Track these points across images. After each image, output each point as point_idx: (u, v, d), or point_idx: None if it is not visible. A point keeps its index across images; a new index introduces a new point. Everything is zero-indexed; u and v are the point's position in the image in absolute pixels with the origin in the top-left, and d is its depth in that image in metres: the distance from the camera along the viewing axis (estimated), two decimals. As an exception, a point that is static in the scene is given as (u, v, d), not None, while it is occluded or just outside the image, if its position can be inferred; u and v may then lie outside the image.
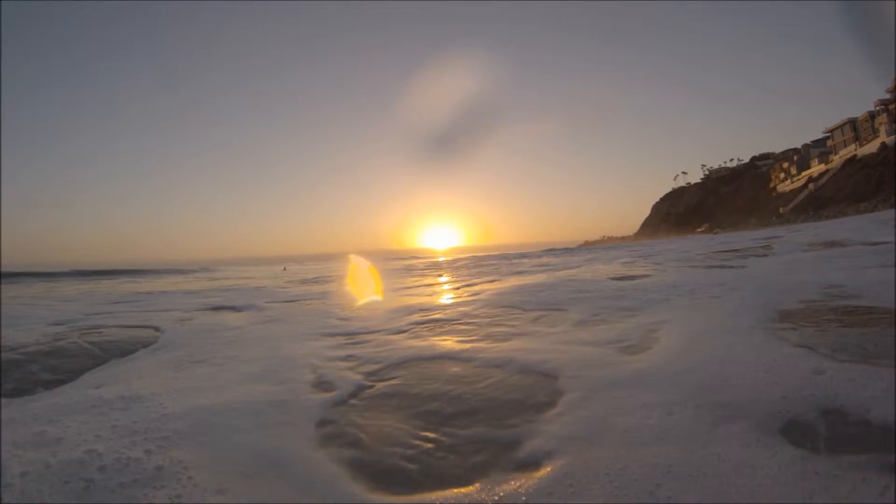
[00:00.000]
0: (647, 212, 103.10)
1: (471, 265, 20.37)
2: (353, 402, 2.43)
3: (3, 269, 31.42)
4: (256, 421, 2.14)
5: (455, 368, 2.89)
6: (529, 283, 7.96)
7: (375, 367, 3.04)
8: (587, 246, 57.85)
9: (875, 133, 49.67)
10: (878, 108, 49.60)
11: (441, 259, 37.94)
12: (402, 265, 27.83)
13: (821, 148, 61.73)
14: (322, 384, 2.73)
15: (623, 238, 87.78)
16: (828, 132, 59.90)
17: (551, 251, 37.04)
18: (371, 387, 2.67)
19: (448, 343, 3.54)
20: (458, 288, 8.66)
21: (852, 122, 55.29)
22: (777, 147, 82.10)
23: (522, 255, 31.52)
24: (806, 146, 66.04)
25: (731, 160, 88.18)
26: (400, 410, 2.26)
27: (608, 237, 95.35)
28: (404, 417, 2.16)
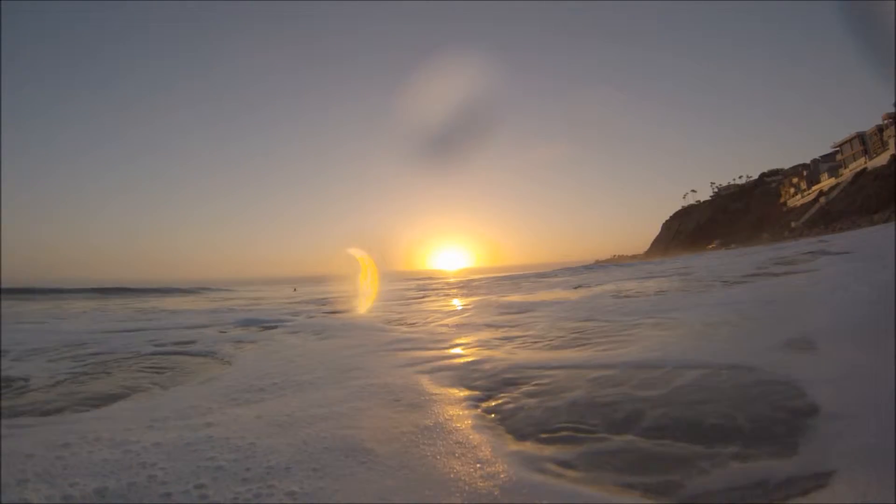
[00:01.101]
0: (655, 231, 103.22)
1: (491, 284, 20.09)
2: (524, 428, 1.92)
3: (14, 285, 31.70)
4: (406, 456, 1.66)
5: (603, 372, 2.50)
6: (580, 297, 7.83)
7: (496, 381, 2.63)
8: (600, 264, 57.57)
9: (884, 146, 49.76)
10: (886, 121, 49.81)
11: (452, 280, 37.55)
12: (417, 284, 27.45)
13: (830, 162, 61.82)
14: (463, 402, 2.25)
15: (634, 256, 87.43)
16: (836, 146, 60.07)
17: (567, 269, 36.75)
18: (520, 404, 2.21)
19: (556, 353, 3.14)
20: (498, 302, 8.53)
21: (861, 136, 55.49)
22: (785, 163, 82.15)
23: (540, 276, 31.29)
24: (815, 161, 66.17)
25: (741, 177, 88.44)
26: (602, 433, 1.75)
27: (619, 256, 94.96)
28: (615, 437, 1.69)
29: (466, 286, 21.05)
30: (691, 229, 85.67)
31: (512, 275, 35.98)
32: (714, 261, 21.29)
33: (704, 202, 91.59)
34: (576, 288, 10.89)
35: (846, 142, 57.66)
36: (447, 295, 13.86)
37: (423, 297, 12.81)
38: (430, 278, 48.05)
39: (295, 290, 31.20)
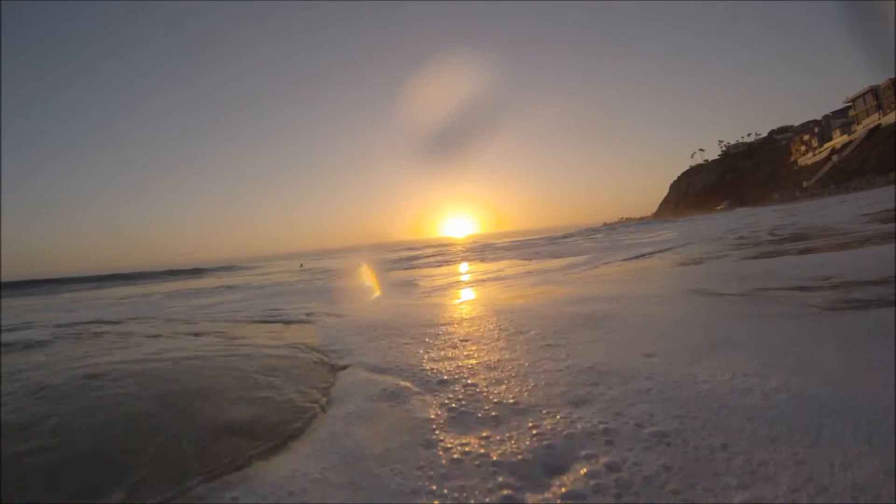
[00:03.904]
0: (662, 192, 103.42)
1: (521, 247, 20.07)
2: None
3: (46, 276, 32.53)
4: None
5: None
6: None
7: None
8: (612, 225, 58.13)
9: (900, 101, 49.54)
10: (902, 75, 49.35)
11: (459, 246, 37.07)
12: (436, 250, 27.26)
13: (842, 118, 61.30)
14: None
15: (641, 218, 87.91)
16: (849, 102, 59.56)
17: (588, 231, 37.14)
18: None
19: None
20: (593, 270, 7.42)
21: (874, 91, 54.91)
22: (795, 120, 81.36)
23: (564, 237, 31.72)
24: (826, 117, 65.67)
25: (749, 135, 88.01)
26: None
27: (626, 218, 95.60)
28: None
29: (496, 250, 20.92)
30: (700, 189, 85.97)
31: (535, 237, 36.16)
32: (750, 219, 21.52)
33: (713, 161, 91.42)
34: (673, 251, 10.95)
35: (859, 96, 57.01)
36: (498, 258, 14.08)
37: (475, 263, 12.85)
38: (445, 244, 48.40)
39: (301, 265, 29.04)
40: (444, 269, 12.58)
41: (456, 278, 9.27)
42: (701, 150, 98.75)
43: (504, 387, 2.02)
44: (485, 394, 1.97)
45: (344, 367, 2.68)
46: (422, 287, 7.89)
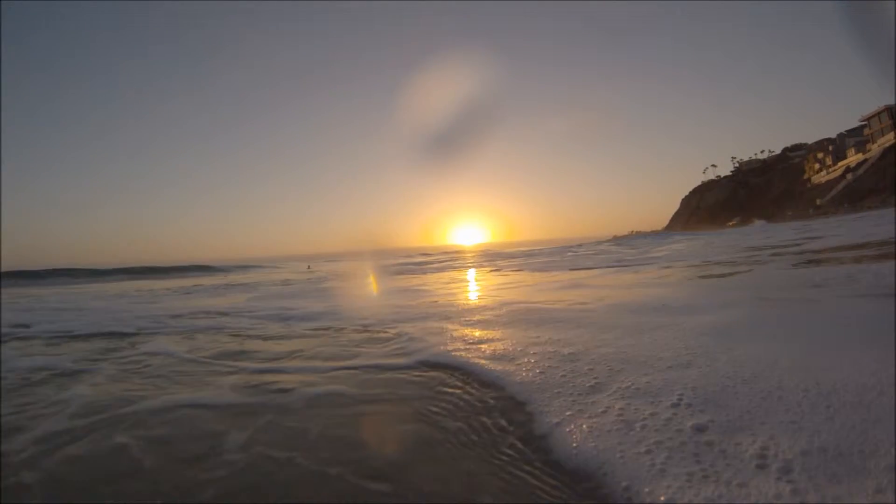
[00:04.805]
0: (673, 207, 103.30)
1: (531, 255, 20.35)
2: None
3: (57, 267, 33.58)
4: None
5: None
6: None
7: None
8: (626, 237, 57.97)
9: (915, 120, 49.24)
10: (919, 95, 49.12)
11: (470, 253, 36.94)
12: (447, 257, 27.51)
13: (857, 137, 60.92)
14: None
15: (653, 232, 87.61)
16: (864, 120, 59.20)
17: (599, 243, 37.05)
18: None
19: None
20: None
21: (889, 110, 54.51)
22: (809, 138, 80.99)
23: (578, 246, 31.79)
24: (841, 135, 65.29)
25: (762, 151, 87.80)
26: None
27: (636, 231, 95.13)
28: None
29: (515, 259, 20.80)
30: (711, 205, 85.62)
31: (550, 247, 35.98)
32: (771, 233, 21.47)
33: (725, 177, 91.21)
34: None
35: (874, 115, 56.54)
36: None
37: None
38: (458, 251, 48.54)
39: (309, 267, 30.60)
40: (473, 275, 12.82)
41: (490, 284, 9.50)
42: (713, 165, 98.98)
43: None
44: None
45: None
46: (469, 292, 8.20)
